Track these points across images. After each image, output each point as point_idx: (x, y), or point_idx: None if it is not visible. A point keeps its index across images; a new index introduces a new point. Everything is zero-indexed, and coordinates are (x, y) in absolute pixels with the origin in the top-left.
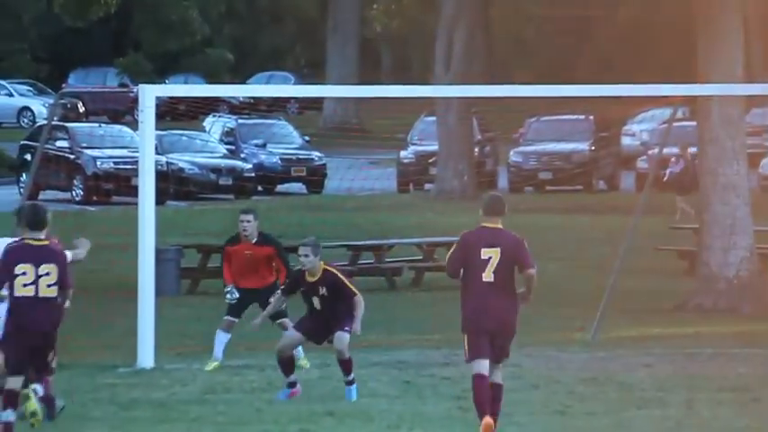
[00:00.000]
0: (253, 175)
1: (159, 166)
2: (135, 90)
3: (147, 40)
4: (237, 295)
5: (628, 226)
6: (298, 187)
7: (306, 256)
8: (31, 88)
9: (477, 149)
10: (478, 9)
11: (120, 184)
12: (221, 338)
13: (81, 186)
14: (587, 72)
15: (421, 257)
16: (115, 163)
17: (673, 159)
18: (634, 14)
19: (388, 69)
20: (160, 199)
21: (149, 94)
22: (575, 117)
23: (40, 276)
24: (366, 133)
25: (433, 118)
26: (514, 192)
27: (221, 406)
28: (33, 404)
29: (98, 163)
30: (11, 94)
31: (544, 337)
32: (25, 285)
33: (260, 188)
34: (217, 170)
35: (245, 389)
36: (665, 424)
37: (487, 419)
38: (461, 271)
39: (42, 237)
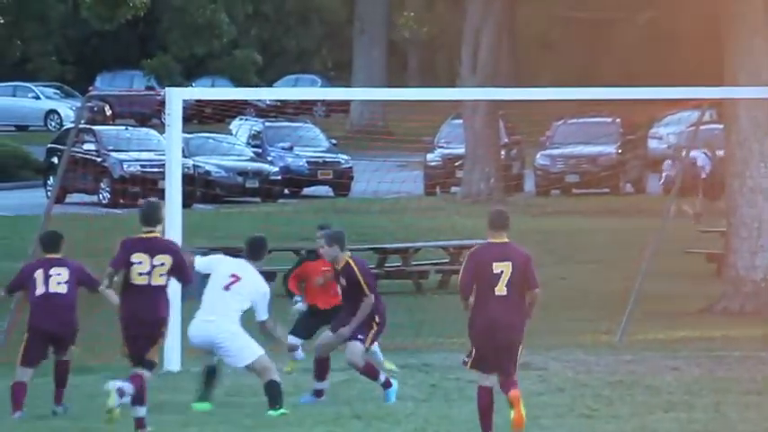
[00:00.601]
0: (279, 178)
1: (186, 170)
2: (162, 93)
3: (174, 43)
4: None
5: (655, 229)
6: (324, 190)
7: (321, 245)
8: (58, 91)
9: (503, 152)
10: (504, 12)
11: (147, 187)
12: (298, 356)
13: (108, 189)
14: (613, 74)
15: (447, 260)
16: (142, 166)
17: (667, 162)
18: (660, 16)
19: (414, 72)
20: (187, 202)
21: (176, 97)
22: (601, 120)
23: (155, 266)
24: (393, 136)
25: (460, 121)
26: (541, 195)
27: (247, 409)
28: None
29: (125, 166)
30: (38, 97)
31: (571, 339)
32: (141, 274)
33: (286, 191)
34: (243, 173)
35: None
36: (691, 427)
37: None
38: (473, 288)
39: (156, 230)
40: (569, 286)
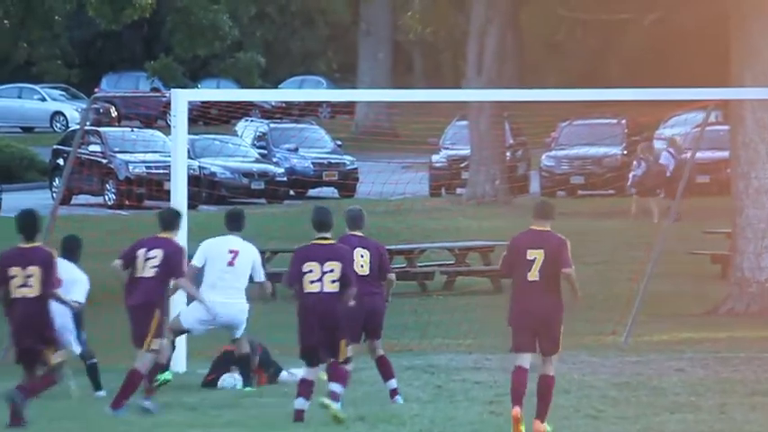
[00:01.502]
0: (285, 179)
1: (191, 171)
2: (167, 94)
3: (179, 45)
4: None
5: (660, 230)
6: (329, 191)
7: None
8: (63, 93)
9: (508, 153)
10: (509, 13)
11: (153, 188)
12: None
13: (113, 191)
14: (619, 75)
15: (453, 261)
16: (147, 167)
17: (635, 162)
18: (665, 17)
19: (419, 73)
20: (192, 203)
21: (182, 99)
22: (607, 121)
23: (325, 273)
24: (398, 137)
25: (465, 122)
26: (546, 196)
27: (253, 410)
28: (334, 410)
29: (130, 167)
30: (44, 99)
31: (576, 341)
32: (312, 282)
33: (292, 192)
34: (249, 174)
35: (278, 393)
36: (697, 428)
37: (516, 410)
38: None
39: (329, 236)
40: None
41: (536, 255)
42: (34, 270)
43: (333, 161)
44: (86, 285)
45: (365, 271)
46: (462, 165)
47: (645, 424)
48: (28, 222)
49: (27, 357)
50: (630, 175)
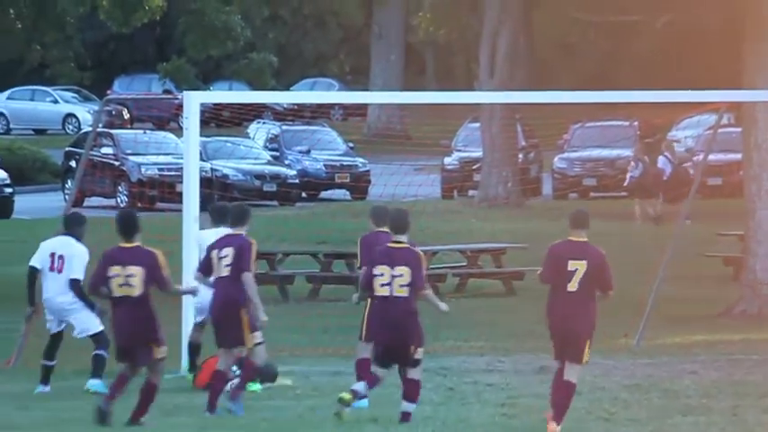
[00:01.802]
0: (297, 181)
1: (203, 173)
2: (179, 97)
3: (192, 46)
4: None
5: (672, 232)
6: (341, 194)
7: None
8: (76, 95)
9: (521, 156)
10: (522, 15)
11: (165, 190)
12: None
13: (125, 193)
14: (631, 77)
15: (465, 264)
16: (160, 169)
17: (632, 164)
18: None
19: (431, 76)
20: (204, 205)
21: (194, 101)
22: (619, 123)
23: (395, 277)
24: (410, 139)
25: (478, 124)
26: (559, 198)
27: (264, 412)
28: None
29: (143, 169)
30: (56, 101)
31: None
32: (382, 286)
33: (304, 194)
34: (261, 176)
35: (289, 395)
36: (709, 431)
37: (552, 427)
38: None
39: (404, 239)
40: None
41: (578, 266)
42: (134, 270)
43: (345, 163)
44: (85, 258)
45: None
46: (474, 167)
47: (657, 426)
48: (128, 222)
49: (128, 356)
50: (627, 177)
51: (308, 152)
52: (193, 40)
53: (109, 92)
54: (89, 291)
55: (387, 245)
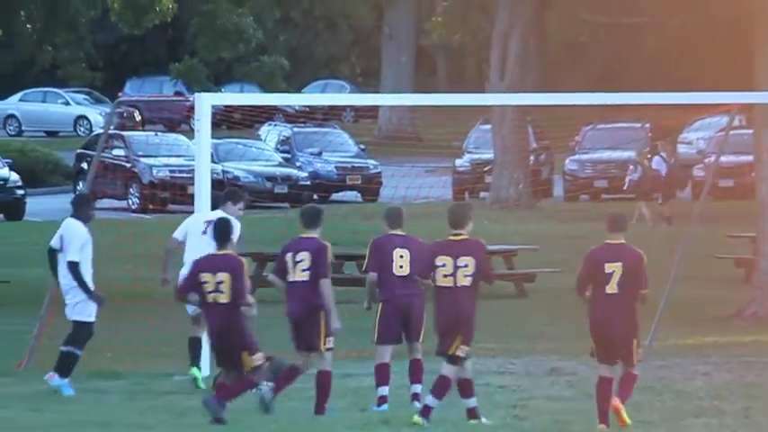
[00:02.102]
0: (308, 183)
1: (215, 175)
2: (191, 98)
3: (203, 48)
4: None
5: (683, 234)
6: (353, 195)
7: None
8: (87, 97)
9: (532, 157)
10: (533, 17)
11: (176, 192)
12: None
13: (137, 195)
14: (642, 78)
15: None
16: (171, 171)
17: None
18: (689, 20)
19: (442, 78)
20: (215, 207)
21: (205, 103)
22: (630, 125)
23: (459, 268)
24: (421, 141)
25: (489, 126)
26: (570, 200)
27: (275, 414)
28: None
29: (154, 171)
30: (67, 103)
31: None
32: (446, 276)
33: (315, 196)
34: (272, 178)
35: (302, 397)
36: None
37: (614, 402)
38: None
39: (464, 232)
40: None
41: (614, 268)
42: (224, 276)
43: (356, 165)
44: (80, 241)
45: (404, 272)
46: (486, 169)
47: (669, 428)
48: (221, 230)
49: (224, 362)
50: (627, 180)
51: (319, 154)
52: (205, 42)
53: (120, 94)
54: (177, 296)
55: (447, 238)
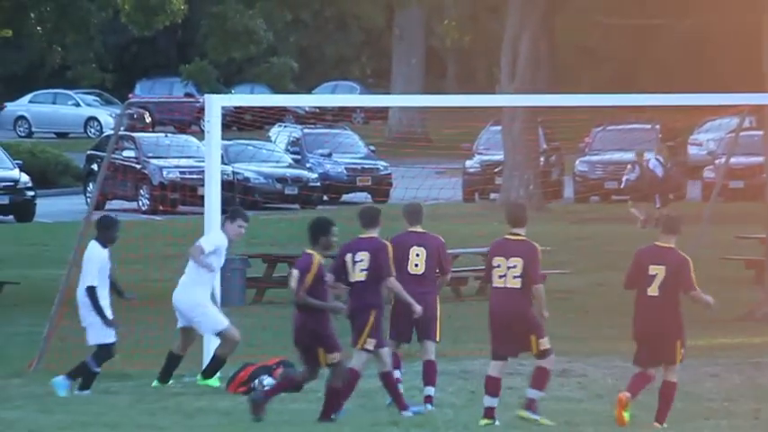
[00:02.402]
0: (318, 184)
1: (225, 176)
2: (201, 100)
3: (213, 49)
4: None
5: (694, 235)
6: (363, 197)
7: None
8: (97, 98)
9: (542, 159)
10: (543, 19)
11: (187, 193)
12: None
13: (147, 196)
14: (653, 80)
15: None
16: (181, 173)
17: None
18: (700, 22)
19: (452, 79)
20: (226, 209)
21: (216, 104)
22: (641, 126)
23: (510, 269)
24: (431, 143)
25: (499, 127)
26: (580, 201)
27: (286, 415)
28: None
29: (164, 173)
30: (78, 104)
31: (610, 346)
32: (500, 277)
33: (325, 198)
34: (282, 180)
35: (310, 398)
36: None
37: (622, 396)
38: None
39: (522, 232)
40: (608, 292)
41: (657, 270)
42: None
43: (366, 166)
44: (97, 264)
45: (419, 270)
46: (496, 170)
47: (679, 430)
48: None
49: (305, 356)
50: (623, 179)
51: (329, 155)
52: (215, 44)
53: (130, 95)
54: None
55: (504, 236)
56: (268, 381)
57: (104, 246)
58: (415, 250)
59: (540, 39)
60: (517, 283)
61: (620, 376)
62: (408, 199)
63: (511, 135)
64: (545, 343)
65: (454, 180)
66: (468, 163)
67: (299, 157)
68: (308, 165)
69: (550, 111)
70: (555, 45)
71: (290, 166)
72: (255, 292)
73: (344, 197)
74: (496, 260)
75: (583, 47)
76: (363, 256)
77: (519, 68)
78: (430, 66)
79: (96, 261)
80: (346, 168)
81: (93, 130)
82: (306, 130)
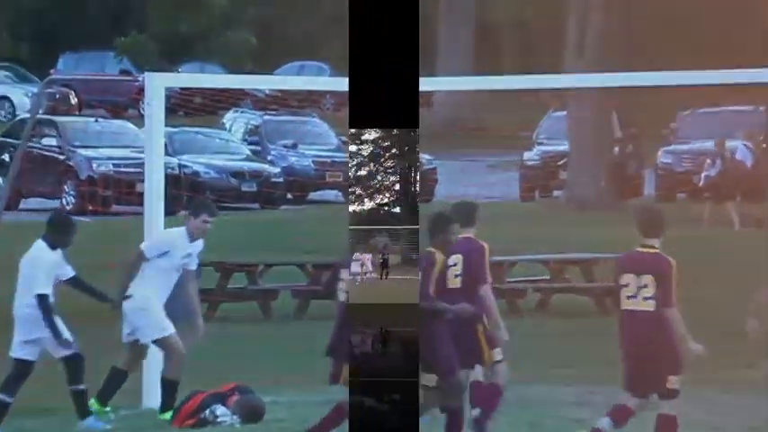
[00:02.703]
0: (281, 180)
1: (170, 170)
2: (140, 79)
3: (155, 19)
4: None
5: None
6: (333, 195)
7: None
8: (9, 73)
9: (616, 149)
10: None
11: (122, 190)
12: None
13: (73, 193)
14: (758, 53)
15: (548, 277)
16: (115, 165)
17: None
18: None
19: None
20: (171, 208)
21: (158, 84)
22: (740, 109)
23: (640, 288)
24: (483, 131)
25: (563, 113)
26: (664, 200)
27: (286, 423)
28: None
29: (94, 165)
30: None
31: (703, 374)
32: (629, 298)
33: (289, 196)
34: (239, 174)
35: (272, 429)
36: None
37: None
38: None
39: (656, 244)
40: (702, 309)
41: None
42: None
43: (337, 160)
44: (35, 269)
45: (457, 284)
46: (559, 163)
47: None
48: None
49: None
50: (702, 176)
51: (294, 146)
52: (157, 13)
53: (52, 71)
54: None
55: (636, 249)
56: (221, 411)
57: (54, 247)
58: (453, 259)
59: (614, 7)
60: (650, 306)
61: (715, 411)
62: (458, 195)
63: (578, 122)
64: (675, 382)
65: (509, 175)
66: (527, 155)
67: (258, 148)
68: (269, 157)
69: (626, 92)
70: (633, 15)
71: (247, 159)
72: (207, 307)
73: (312, 195)
74: (625, 278)
75: (667, 16)
76: (456, 260)
77: (588, 43)
78: (483, 43)
79: (44, 264)
80: (314, 162)
81: (3, 113)
82: (266, 117)
